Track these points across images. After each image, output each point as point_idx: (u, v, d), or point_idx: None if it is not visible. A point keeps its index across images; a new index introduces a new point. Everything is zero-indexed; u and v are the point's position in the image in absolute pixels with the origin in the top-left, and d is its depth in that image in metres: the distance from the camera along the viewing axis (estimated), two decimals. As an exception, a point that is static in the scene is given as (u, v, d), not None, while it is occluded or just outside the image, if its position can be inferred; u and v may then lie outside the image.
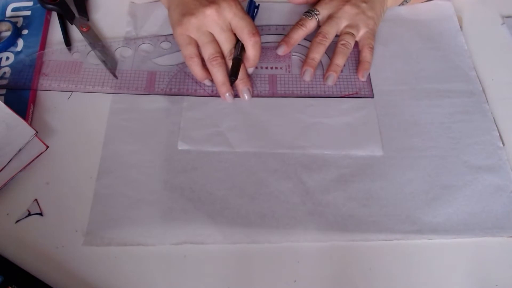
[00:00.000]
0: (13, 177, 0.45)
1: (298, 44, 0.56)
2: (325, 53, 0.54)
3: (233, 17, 0.48)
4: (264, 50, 0.56)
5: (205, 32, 0.49)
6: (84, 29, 0.56)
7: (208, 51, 0.49)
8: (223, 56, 0.50)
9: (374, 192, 0.46)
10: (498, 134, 0.50)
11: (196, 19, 0.48)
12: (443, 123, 0.50)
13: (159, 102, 0.51)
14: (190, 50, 0.50)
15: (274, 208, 0.45)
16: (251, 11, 0.57)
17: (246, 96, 0.51)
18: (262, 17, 0.59)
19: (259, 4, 0.59)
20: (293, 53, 0.56)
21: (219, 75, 0.50)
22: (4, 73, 0.53)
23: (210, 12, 0.47)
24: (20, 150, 0.46)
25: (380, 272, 0.42)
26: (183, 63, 0.54)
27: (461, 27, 0.59)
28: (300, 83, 0.53)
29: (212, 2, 0.48)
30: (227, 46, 0.50)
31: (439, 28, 0.58)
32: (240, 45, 0.50)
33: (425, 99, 0.52)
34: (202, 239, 0.43)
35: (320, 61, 0.54)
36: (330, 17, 0.54)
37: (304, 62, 0.53)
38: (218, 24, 0.48)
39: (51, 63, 0.54)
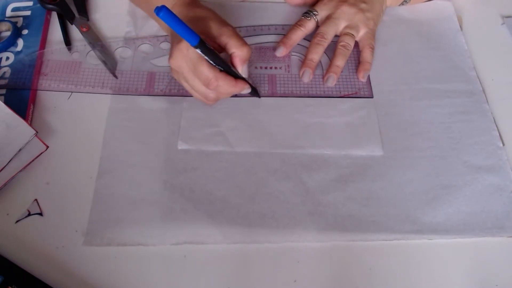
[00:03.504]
0: (13, 177, 0.45)
1: (298, 44, 0.56)
2: (325, 53, 0.54)
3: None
4: (264, 50, 0.56)
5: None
6: (84, 29, 0.56)
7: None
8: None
9: (374, 192, 0.46)
10: (498, 134, 0.50)
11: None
12: (443, 123, 0.50)
13: (159, 102, 0.51)
14: None
15: (274, 208, 0.45)
16: None
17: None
18: (262, 17, 0.59)
19: None
20: (293, 53, 0.56)
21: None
22: (4, 73, 0.53)
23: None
24: (20, 150, 0.46)
25: (380, 272, 0.42)
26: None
27: (461, 27, 0.59)
28: (300, 83, 0.53)
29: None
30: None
31: (439, 28, 0.58)
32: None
33: (425, 99, 0.52)
34: (202, 239, 0.43)
35: (320, 61, 0.54)
36: (328, 18, 0.54)
37: (302, 63, 0.53)
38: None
39: (50, 62, 0.54)
